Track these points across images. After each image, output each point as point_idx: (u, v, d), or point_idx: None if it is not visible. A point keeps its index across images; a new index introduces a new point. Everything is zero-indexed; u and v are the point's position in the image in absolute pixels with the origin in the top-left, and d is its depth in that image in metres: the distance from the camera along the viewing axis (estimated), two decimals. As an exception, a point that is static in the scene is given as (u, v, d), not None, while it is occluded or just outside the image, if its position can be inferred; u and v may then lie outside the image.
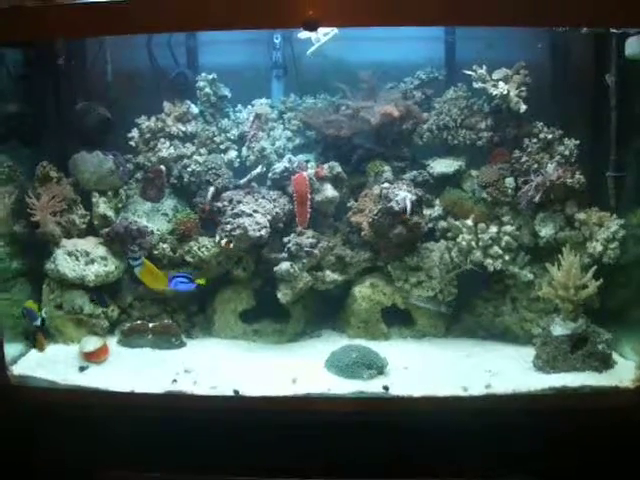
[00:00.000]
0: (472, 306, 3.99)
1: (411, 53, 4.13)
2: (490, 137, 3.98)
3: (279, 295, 3.85)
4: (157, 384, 3.37)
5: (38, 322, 3.70)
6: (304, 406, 3.30)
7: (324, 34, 3.62)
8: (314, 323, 4.10)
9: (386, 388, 3.30)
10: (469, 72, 3.85)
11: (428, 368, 3.56)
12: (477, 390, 3.29)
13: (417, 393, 3.28)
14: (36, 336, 3.78)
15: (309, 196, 3.82)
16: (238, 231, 3.78)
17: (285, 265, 3.82)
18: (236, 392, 3.28)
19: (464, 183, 4.04)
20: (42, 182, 3.89)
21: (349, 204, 4.05)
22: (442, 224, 3.94)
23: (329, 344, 3.84)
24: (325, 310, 4.14)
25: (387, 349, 3.70)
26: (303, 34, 3.64)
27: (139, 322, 3.92)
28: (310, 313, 4.06)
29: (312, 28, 3.13)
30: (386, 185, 3.85)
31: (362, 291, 3.96)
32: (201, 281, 3.81)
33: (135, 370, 3.57)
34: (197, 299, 4.08)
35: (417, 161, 4.12)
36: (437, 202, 4.01)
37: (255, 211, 3.84)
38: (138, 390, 3.33)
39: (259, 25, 3.22)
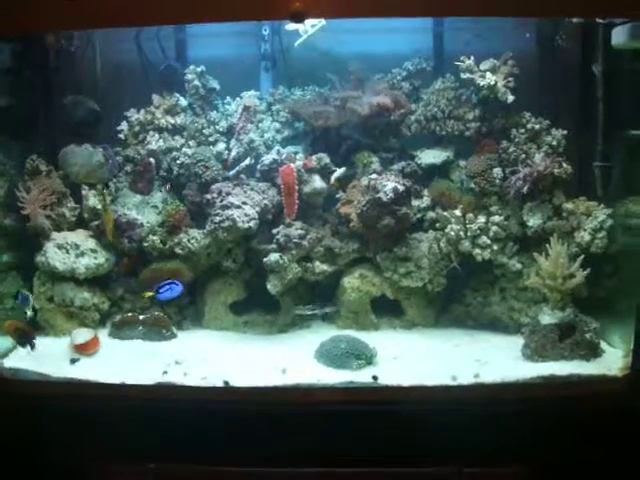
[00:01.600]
0: (461, 296, 4.02)
1: (399, 44, 4.16)
2: (478, 128, 4.01)
3: (268, 286, 3.87)
4: (148, 375, 3.38)
5: (29, 313, 3.69)
6: (294, 397, 3.32)
7: (312, 25, 3.63)
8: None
9: (375, 378, 3.31)
10: (458, 63, 3.89)
11: (417, 358, 3.57)
12: (466, 379, 3.31)
13: (406, 383, 3.28)
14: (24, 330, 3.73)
15: (297, 187, 3.83)
16: (227, 223, 3.80)
17: (274, 256, 3.83)
18: (226, 383, 3.29)
19: (452, 174, 4.06)
20: (32, 175, 3.91)
21: (337, 195, 4.06)
22: (431, 214, 3.97)
23: (319, 335, 3.85)
24: (314, 301, 4.08)
25: (377, 339, 3.70)
26: (291, 26, 3.66)
27: (130, 314, 3.94)
28: (299, 304, 4.03)
29: (299, 20, 3.14)
30: (374, 176, 3.87)
31: (351, 282, 3.98)
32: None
33: (126, 362, 3.58)
34: (187, 291, 4.08)
35: (405, 152, 4.15)
36: (425, 193, 4.04)
37: (244, 203, 3.86)
38: (129, 381, 3.35)
39: (247, 17, 3.24)
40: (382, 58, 4.15)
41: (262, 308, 4.06)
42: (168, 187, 4.01)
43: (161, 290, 3.70)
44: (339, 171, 3.94)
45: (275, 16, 3.39)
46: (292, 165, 3.82)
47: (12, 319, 3.66)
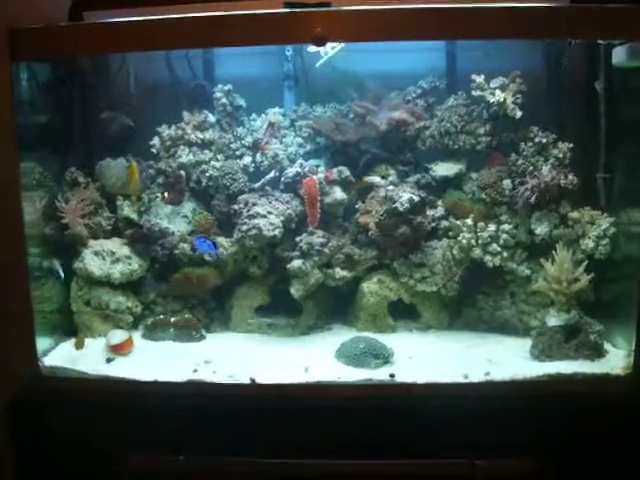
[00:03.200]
0: (473, 300, 4.06)
1: (413, 63, 4.30)
2: (489, 142, 4.14)
3: (292, 290, 4.05)
4: (179, 373, 3.47)
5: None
6: (315, 392, 3.39)
7: (332, 47, 3.81)
8: (325, 317, 4.20)
9: (392, 376, 3.41)
10: (475, 77, 4.04)
11: (432, 358, 3.65)
12: (477, 377, 3.40)
13: (421, 380, 3.39)
14: (78, 333, 3.97)
15: (319, 198, 4.01)
16: (253, 231, 3.98)
17: (297, 262, 4.01)
18: (252, 380, 3.39)
19: (464, 185, 4.21)
20: (71, 187, 4.03)
21: (357, 206, 4.25)
22: (444, 224, 4.03)
23: (339, 337, 3.91)
24: (335, 305, 4.20)
25: (393, 340, 3.78)
26: (312, 48, 3.83)
27: (162, 317, 4.10)
28: (321, 308, 4.13)
29: (320, 43, 3.36)
30: (391, 187, 4.08)
31: (370, 287, 4.07)
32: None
33: (158, 361, 3.68)
34: (215, 295, 4.30)
35: (420, 165, 4.32)
36: (439, 203, 4.21)
37: (269, 212, 4.03)
38: (161, 379, 3.45)
39: (272, 42, 3.49)
40: (397, 76, 4.32)
41: (285, 312, 4.11)
42: (165, 195, 4.17)
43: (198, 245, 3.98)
44: (373, 179, 4.13)
45: (299, 41, 3.59)
46: (315, 177, 4.01)
47: (52, 320, 3.82)
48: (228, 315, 4.15)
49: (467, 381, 3.38)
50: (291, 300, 3.97)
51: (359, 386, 3.40)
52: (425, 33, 3.26)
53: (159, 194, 4.19)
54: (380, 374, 3.44)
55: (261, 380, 3.41)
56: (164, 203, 4.17)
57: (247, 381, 3.39)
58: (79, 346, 3.96)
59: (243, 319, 4.13)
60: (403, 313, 4.17)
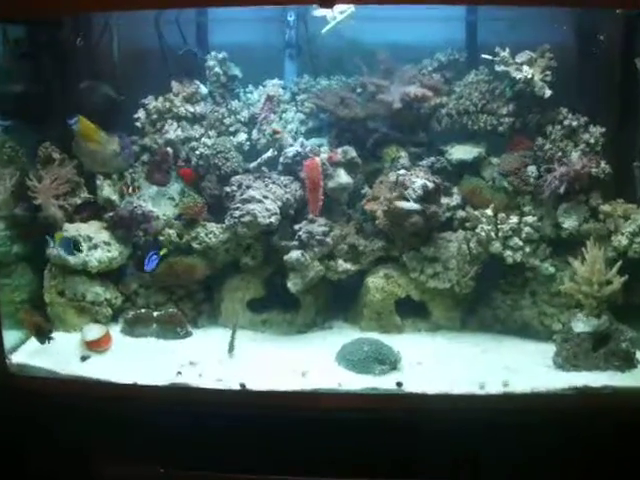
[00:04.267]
0: (489, 299, 3.86)
1: (430, 34, 4.00)
2: (512, 123, 3.84)
3: (289, 284, 3.74)
4: (161, 376, 3.28)
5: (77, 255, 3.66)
6: (313, 402, 3.21)
7: (340, 12, 3.49)
8: (325, 314, 4.01)
9: (399, 384, 3.21)
10: (487, 56, 3.74)
11: (443, 363, 3.47)
12: (494, 388, 3.19)
13: (432, 390, 3.18)
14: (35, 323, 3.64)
15: (322, 182, 3.67)
16: (247, 218, 3.66)
17: (296, 254, 3.70)
18: (242, 386, 3.19)
19: (484, 171, 3.90)
20: (44, 164, 3.80)
21: (363, 191, 3.93)
22: (460, 213, 3.83)
23: (340, 336, 3.74)
24: (337, 301, 4.04)
25: (400, 342, 3.60)
26: (318, 11, 3.52)
27: (144, 311, 3.84)
28: (321, 303, 3.96)
29: (328, 5, 3.09)
30: (402, 172, 3.72)
31: (375, 282, 3.85)
32: (163, 251, 3.78)
33: (139, 361, 3.49)
34: (204, 287, 4.00)
35: (434, 147, 3.99)
36: (455, 190, 3.89)
37: (265, 197, 3.72)
38: (141, 382, 3.26)
39: (274, 2, 3.18)
40: (411, 48, 4.00)
41: (281, 307, 3.93)
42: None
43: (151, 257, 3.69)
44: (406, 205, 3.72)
45: (303, 0, 3.25)
46: (317, 159, 3.67)
47: (26, 311, 3.66)
48: (217, 309, 4.00)
49: (483, 392, 3.19)
50: (288, 294, 3.79)
51: (362, 396, 3.21)
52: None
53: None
54: (386, 382, 3.26)
55: (252, 386, 3.21)
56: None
57: (237, 386, 3.19)
58: (40, 337, 3.60)
59: (234, 314, 3.91)
60: (411, 311, 3.92)
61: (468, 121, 3.91)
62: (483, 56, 3.75)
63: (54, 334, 3.61)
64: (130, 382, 3.25)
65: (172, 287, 3.95)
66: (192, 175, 3.90)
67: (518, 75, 3.68)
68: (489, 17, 3.93)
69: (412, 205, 3.58)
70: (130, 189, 3.82)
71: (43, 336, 3.52)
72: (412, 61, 3.99)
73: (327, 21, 3.63)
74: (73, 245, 3.57)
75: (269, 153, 3.90)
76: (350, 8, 3.46)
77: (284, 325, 3.90)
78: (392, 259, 3.90)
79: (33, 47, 3.77)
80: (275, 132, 3.80)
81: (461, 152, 3.91)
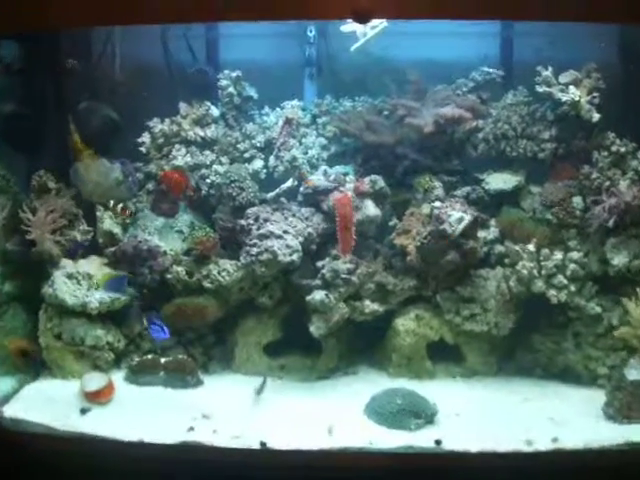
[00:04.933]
0: (528, 341, 3.63)
1: (463, 51, 3.83)
2: (554, 149, 3.63)
3: (312, 328, 3.49)
4: (171, 432, 3.03)
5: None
6: (342, 462, 2.96)
7: (371, 27, 3.28)
8: (348, 358, 3.76)
9: (438, 442, 2.94)
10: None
11: (483, 415, 3.24)
12: (542, 444, 2.93)
13: (474, 447, 2.92)
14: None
15: (354, 220, 3.41)
16: (266, 255, 3.42)
17: (319, 295, 3.45)
18: (263, 444, 2.93)
19: (523, 201, 3.70)
20: (39, 194, 3.59)
21: (391, 223, 3.70)
22: (499, 248, 3.63)
23: (367, 384, 3.54)
24: (360, 342, 3.79)
25: (434, 390, 3.39)
26: (347, 27, 3.30)
27: (150, 357, 3.60)
28: (344, 346, 3.71)
29: (363, 20, 2.86)
30: (438, 204, 3.49)
31: (406, 324, 3.62)
32: None
33: (145, 414, 3.24)
34: (215, 329, 3.75)
35: (469, 175, 3.78)
36: (493, 223, 3.67)
37: (285, 232, 3.49)
38: (149, 439, 3.00)
39: (302, 16, 3.00)
40: (443, 66, 3.81)
41: (300, 350, 3.71)
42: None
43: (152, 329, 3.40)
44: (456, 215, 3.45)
45: (336, 15, 2.95)
46: (349, 193, 3.39)
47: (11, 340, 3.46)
48: (230, 353, 3.76)
49: (531, 449, 2.93)
50: (307, 335, 3.55)
51: (397, 455, 2.96)
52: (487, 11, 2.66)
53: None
54: (423, 438, 3.01)
55: (274, 444, 2.95)
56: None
57: (256, 445, 2.94)
58: (26, 363, 3.43)
59: (249, 358, 3.72)
60: (443, 355, 3.68)
61: (506, 147, 3.71)
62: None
63: (54, 382, 3.46)
64: (136, 439, 2.99)
65: (180, 330, 3.71)
66: (180, 181, 3.64)
67: (564, 97, 3.48)
68: (526, 32, 3.73)
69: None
70: (123, 211, 3.57)
71: (29, 361, 3.37)
72: (445, 80, 3.79)
73: (354, 37, 3.42)
74: (128, 283, 3.39)
75: (289, 183, 3.68)
76: (382, 23, 3.24)
77: (304, 371, 3.67)
78: (423, 299, 3.69)
79: (25, 64, 3.62)
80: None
81: (499, 181, 3.70)
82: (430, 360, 3.67)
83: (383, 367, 3.74)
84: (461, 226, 3.37)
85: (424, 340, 3.63)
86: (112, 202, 3.57)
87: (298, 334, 3.68)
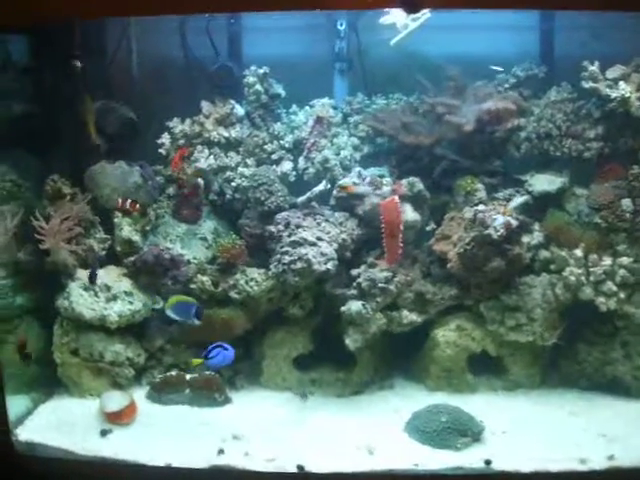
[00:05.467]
0: (573, 351, 3.47)
1: (501, 44, 3.65)
2: (600, 148, 3.44)
3: (347, 341, 3.32)
4: (200, 455, 2.88)
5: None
6: None
7: (413, 19, 3.08)
8: (383, 370, 3.60)
9: (488, 462, 2.81)
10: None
11: (530, 432, 3.08)
12: (597, 462, 2.80)
13: (526, 467, 2.79)
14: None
15: (402, 226, 3.20)
16: (299, 264, 3.23)
17: (356, 305, 3.27)
18: (300, 467, 2.80)
19: (567, 203, 3.52)
20: (53, 200, 3.44)
21: (428, 228, 3.51)
22: (544, 254, 3.42)
23: (405, 399, 3.41)
24: (395, 354, 3.64)
25: (476, 405, 3.26)
26: (388, 18, 3.10)
27: (174, 373, 3.44)
28: (379, 358, 3.55)
29: (412, 9, 2.69)
30: (481, 208, 3.30)
31: (446, 335, 3.46)
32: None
33: (170, 435, 3.08)
34: (241, 341, 3.53)
35: (510, 176, 3.59)
36: (537, 227, 3.46)
37: (319, 238, 3.31)
38: (176, 463, 2.85)
39: (344, 5, 2.85)
40: (481, 61, 3.60)
41: (332, 363, 3.56)
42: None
43: (211, 355, 3.07)
44: (518, 200, 3.32)
45: (382, 4, 2.74)
46: (396, 198, 3.18)
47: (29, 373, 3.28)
48: (258, 367, 3.59)
49: (586, 468, 2.80)
50: (339, 347, 3.39)
51: (446, 477, 2.82)
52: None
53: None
54: (470, 458, 2.86)
55: (312, 467, 2.81)
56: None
57: (293, 468, 2.80)
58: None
59: (278, 373, 3.56)
60: (484, 367, 3.52)
61: (550, 146, 3.52)
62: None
63: (70, 401, 3.35)
64: (163, 464, 2.85)
65: (205, 343, 3.39)
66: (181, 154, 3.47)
67: (613, 94, 3.28)
68: (568, 25, 3.56)
69: None
70: (133, 206, 3.34)
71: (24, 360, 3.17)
72: (483, 77, 3.59)
73: (389, 30, 3.23)
74: (196, 313, 3.10)
75: (321, 186, 3.48)
76: (425, 15, 3.04)
77: (337, 385, 3.50)
78: (463, 308, 3.51)
79: (37, 61, 3.46)
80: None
81: (543, 182, 3.51)
82: (471, 373, 3.51)
83: (420, 380, 3.59)
84: (504, 230, 3.18)
85: (465, 352, 3.47)
86: (120, 199, 3.34)
87: (329, 346, 3.51)
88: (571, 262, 3.33)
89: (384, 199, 3.38)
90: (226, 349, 3.07)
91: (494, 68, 3.55)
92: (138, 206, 3.34)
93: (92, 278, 3.23)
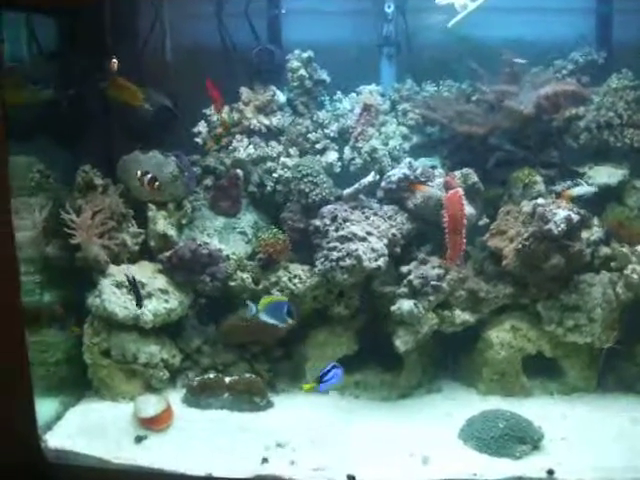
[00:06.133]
0: (632, 353, 3.33)
1: (557, 28, 3.48)
2: None
3: (397, 343, 3.17)
4: (242, 464, 2.76)
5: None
6: None
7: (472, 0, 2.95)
8: (431, 373, 3.47)
9: (551, 472, 2.69)
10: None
11: (591, 438, 2.96)
12: None
13: (589, 477, 2.67)
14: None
15: (465, 221, 3.03)
16: (349, 261, 3.08)
17: (407, 304, 3.12)
18: (351, 478, 2.68)
19: (628, 197, 3.41)
20: (83, 192, 3.32)
21: (480, 222, 3.34)
22: (604, 250, 3.29)
23: (456, 403, 3.28)
24: (442, 354, 3.51)
25: (532, 410, 3.11)
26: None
27: (212, 376, 3.29)
28: (427, 360, 3.41)
29: None
30: (541, 201, 3.14)
31: (501, 336, 3.31)
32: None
33: (210, 443, 2.95)
34: (281, 341, 3.43)
35: (567, 168, 3.44)
36: (596, 222, 3.33)
37: (369, 233, 3.14)
38: (217, 473, 2.73)
39: None
40: (536, 46, 3.44)
41: (377, 364, 3.44)
42: None
43: (326, 378, 2.83)
44: (584, 189, 3.18)
45: None
46: (460, 190, 3.00)
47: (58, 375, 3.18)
48: (300, 369, 3.45)
49: None
50: (385, 348, 3.26)
51: None
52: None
53: None
54: (531, 468, 2.73)
55: (363, 477, 2.67)
56: None
57: (343, 479, 2.67)
58: None
59: None
60: (537, 370, 3.37)
61: (610, 136, 3.37)
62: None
63: (102, 404, 3.24)
64: (203, 474, 2.73)
65: (244, 343, 3.42)
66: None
67: None
68: (627, 8, 3.43)
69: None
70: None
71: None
72: (539, 62, 3.45)
73: (441, 12, 3.22)
74: (288, 312, 2.89)
75: (370, 177, 3.30)
76: None
77: (383, 388, 3.37)
78: (517, 307, 3.36)
79: (65, 45, 3.33)
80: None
81: (603, 174, 3.38)
82: (525, 375, 3.37)
83: (471, 383, 3.45)
84: (565, 225, 3.02)
85: (520, 353, 3.33)
86: (139, 172, 3.16)
87: (374, 347, 3.37)
88: (633, 259, 3.17)
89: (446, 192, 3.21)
90: (338, 368, 2.84)
91: (518, 61, 3.36)
92: (157, 184, 3.12)
93: (139, 302, 3.07)
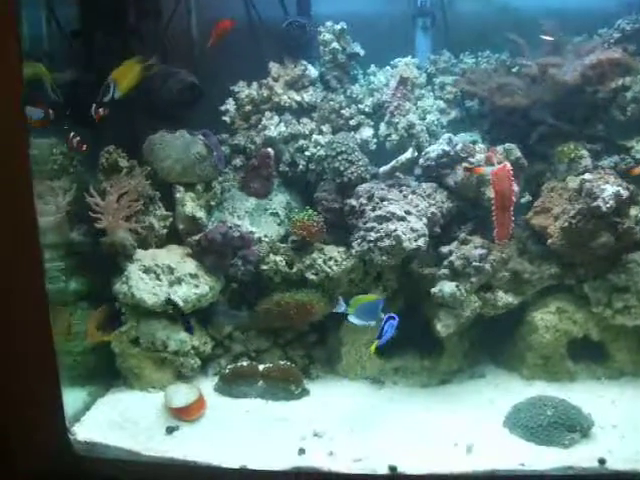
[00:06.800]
0: None
1: None
2: None
3: (439, 326, 3.05)
4: (278, 455, 2.67)
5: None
6: None
7: None
8: (472, 357, 3.35)
9: (602, 462, 2.58)
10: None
11: None
12: None
13: None
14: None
15: (514, 197, 2.89)
16: (388, 241, 2.95)
17: (449, 287, 3.00)
18: (393, 469, 2.58)
19: None
20: (108, 174, 3.21)
21: (523, 199, 3.20)
22: None
23: (499, 389, 3.18)
24: (483, 338, 3.38)
25: (579, 396, 3.00)
26: None
27: (245, 363, 3.21)
28: (468, 344, 3.29)
29: None
30: (588, 177, 3.00)
31: (546, 318, 3.18)
32: None
33: (244, 433, 2.87)
34: (316, 326, 3.33)
35: (613, 142, 3.29)
36: None
37: (408, 212, 3.01)
38: (252, 465, 2.64)
39: None
40: (578, 14, 3.29)
41: (416, 349, 3.31)
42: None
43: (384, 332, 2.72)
44: None
45: None
46: (508, 165, 2.83)
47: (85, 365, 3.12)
48: (336, 354, 3.34)
49: None
50: (424, 333, 3.18)
51: (555, 478, 2.57)
52: None
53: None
54: (582, 457, 2.61)
55: (406, 468, 2.58)
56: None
57: (384, 470, 2.58)
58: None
59: (358, 361, 3.30)
60: (583, 353, 3.24)
61: None
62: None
63: (131, 394, 3.16)
64: (237, 466, 2.64)
65: (278, 329, 3.32)
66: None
67: None
68: None
69: None
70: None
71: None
72: (582, 31, 3.30)
73: None
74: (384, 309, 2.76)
75: (408, 154, 3.17)
76: None
77: (423, 374, 3.27)
78: (562, 288, 3.23)
79: (87, 22, 3.22)
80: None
81: None
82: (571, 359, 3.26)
83: (514, 368, 3.33)
84: (613, 201, 2.89)
85: (566, 337, 3.20)
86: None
87: (412, 331, 3.15)
88: (682, 238, 3.01)
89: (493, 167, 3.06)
90: (394, 318, 2.73)
91: (545, 38, 3.23)
92: (85, 147, 2.99)
93: (189, 329, 3.09)
